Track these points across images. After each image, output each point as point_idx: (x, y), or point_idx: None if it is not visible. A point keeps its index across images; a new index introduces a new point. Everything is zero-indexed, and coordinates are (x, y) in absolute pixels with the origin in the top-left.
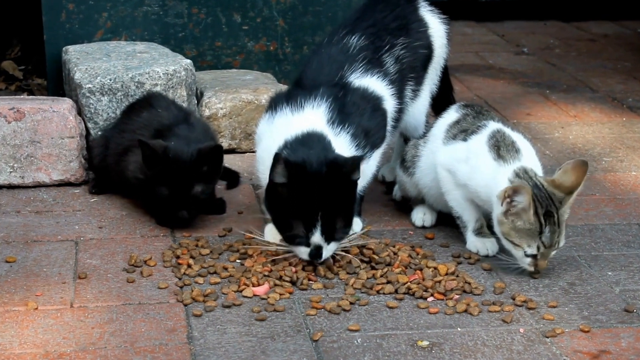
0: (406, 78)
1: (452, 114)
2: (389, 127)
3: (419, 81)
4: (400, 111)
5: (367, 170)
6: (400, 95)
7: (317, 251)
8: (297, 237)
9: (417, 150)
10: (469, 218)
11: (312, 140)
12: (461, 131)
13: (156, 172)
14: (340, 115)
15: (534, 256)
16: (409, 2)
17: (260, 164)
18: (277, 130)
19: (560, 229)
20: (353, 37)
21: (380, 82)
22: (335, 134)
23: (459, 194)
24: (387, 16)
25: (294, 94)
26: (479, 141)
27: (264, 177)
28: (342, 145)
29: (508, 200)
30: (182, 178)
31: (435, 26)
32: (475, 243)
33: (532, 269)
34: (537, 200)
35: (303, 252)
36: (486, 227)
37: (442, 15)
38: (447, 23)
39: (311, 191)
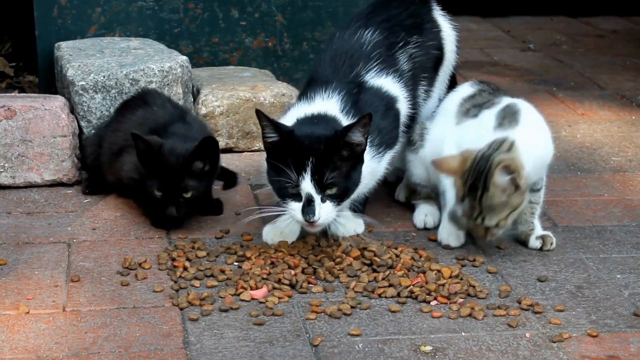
0: (419, 78)
1: (467, 88)
2: (401, 129)
3: (431, 82)
4: (413, 117)
5: (377, 171)
6: (413, 96)
7: (308, 204)
8: (287, 184)
9: (425, 125)
10: (451, 196)
11: (322, 119)
12: (474, 106)
13: (149, 167)
14: (354, 108)
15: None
16: (423, 3)
17: None
18: (286, 121)
19: (482, 208)
20: (367, 32)
21: (395, 82)
22: (348, 122)
23: None
24: (402, 13)
25: (306, 90)
26: (490, 114)
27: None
28: None
29: None
30: (173, 174)
31: (447, 30)
32: (442, 232)
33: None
34: (471, 170)
35: (296, 209)
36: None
37: (453, 22)
38: (457, 30)
39: (304, 143)
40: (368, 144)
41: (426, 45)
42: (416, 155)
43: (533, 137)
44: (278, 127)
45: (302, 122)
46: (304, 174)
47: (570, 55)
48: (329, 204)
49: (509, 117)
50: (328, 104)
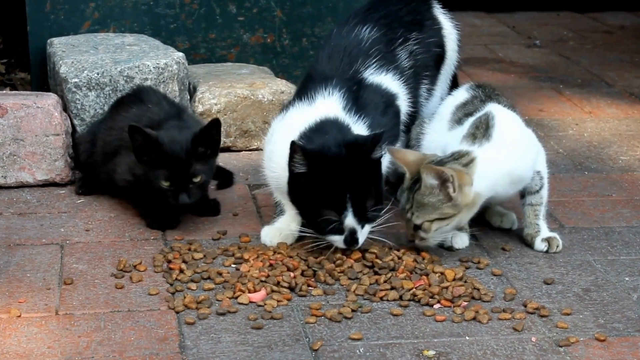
0: (420, 76)
1: (462, 94)
2: (402, 127)
3: (433, 80)
4: (414, 116)
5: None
6: (414, 94)
7: (352, 236)
8: (329, 224)
9: (422, 128)
10: None
11: (327, 126)
12: (466, 114)
13: (151, 160)
14: (356, 106)
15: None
16: (423, 0)
17: (269, 160)
18: (289, 123)
19: (413, 203)
20: (365, 29)
21: (395, 80)
22: (353, 122)
23: None
24: (401, 9)
25: (304, 89)
26: (467, 123)
27: (273, 175)
28: (361, 133)
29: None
30: (180, 160)
31: (449, 28)
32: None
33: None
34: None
35: (337, 240)
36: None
37: (454, 21)
38: (458, 29)
39: (335, 174)
40: None
41: (427, 42)
42: None
43: (500, 158)
44: (307, 157)
45: (308, 135)
46: (345, 212)
47: (577, 52)
48: (367, 227)
49: (481, 129)
50: (329, 104)
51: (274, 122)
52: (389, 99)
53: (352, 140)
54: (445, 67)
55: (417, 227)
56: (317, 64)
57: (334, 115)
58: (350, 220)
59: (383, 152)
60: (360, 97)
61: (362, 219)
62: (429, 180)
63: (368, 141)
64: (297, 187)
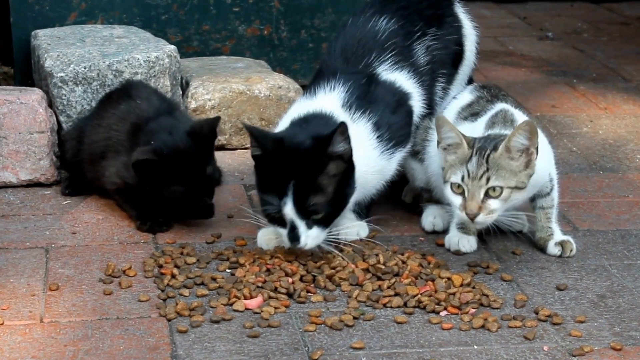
0: (437, 74)
1: (466, 96)
2: (414, 128)
3: (449, 80)
4: (427, 116)
5: (387, 170)
6: (429, 92)
7: (292, 231)
8: (271, 207)
9: (427, 134)
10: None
11: (314, 120)
12: (472, 114)
13: (171, 174)
14: (361, 101)
15: (460, 191)
16: None
17: None
18: (286, 117)
19: (491, 166)
20: (382, 19)
21: (410, 78)
22: (352, 120)
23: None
24: (422, 2)
25: (311, 83)
26: (483, 120)
27: None
28: (361, 132)
29: (441, 144)
30: (199, 165)
31: (469, 29)
32: (452, 238)
33: (464, 214)
34: (480, 138)
35: (283, 234)
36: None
37: (475, 23)
38: (478, 31)
39: (284, 160)
40: (377, 139)
41: (446, 39)
42: (419, 165)
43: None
44: (260, 139)
45: (292, 127)
46: (285, 199)
47: (592, 44)
48: (315, 229)
49: (504, 122)
50: (329, 99)
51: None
52: (402, 98)
53: (317, 135)
54: (464, 68)
55: (486, 197)
56: (328, 56)
57: (329, 111)
58: (289, 210)
59: (346, 147)
60: (369, 92)
61: (303, 214)
62: (521, 139)
63: (329, 135)
64: (256, 172)
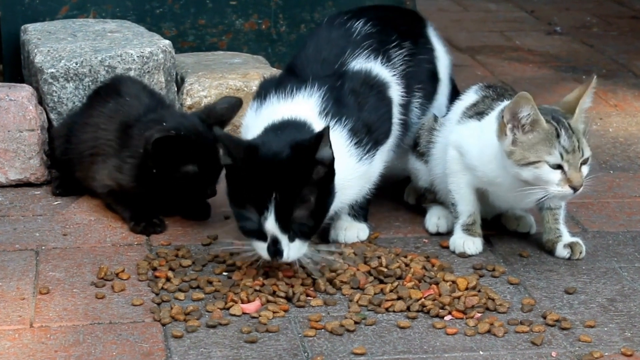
0: (412, 88)
1: (470, 96)
2: (395, 120)
3: (428, 97)
4: (404, 126)
5: (370, 173)
6: (406, 101)
7: (274, 246)
8: (249, 223)
9: (432, 136)
10: (463, 209)
11: (290, 127)
12: (477, 113)
13: (181, 152)
14: (336, 107)
15: (560, 168)
16: (418, 20)
17: None
18: (261, 122)
19: (577, 135)
20: (358, 22)
21: (387, 69)
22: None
23: (464, 179)
24: (398, 18)
25: (284, 81)
26: (491, 117)
27: None
28: (338, 140)
29: (510, 125)
30: (213, 159)
31: (441, 53)
32: (456, 240)
33: (566, 188)
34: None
35: (261, 247)
36: (479, 226)
37: (446, 48)
38: (450, 56)
39: (264, 171)
40: (354, 145)
41: (419, 57)
42: (424, 167)
43: None
44: (232, 147)
45: (266, 134)
46: (266, 213)
47: (601, 39)
48: (298, 242)
49: None
50: (307, 104)
51: (248, 113)
52: (379, 90)
53: (297, 141)
54: (442, 88)
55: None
56: (303, 53)
57: (304, 119)
58: (271, 225)
59: (331, 153)
60: (343, 93)
61: (286, 227)
62: (589, 99)
63: (311, 140)
64: (228, 184)
